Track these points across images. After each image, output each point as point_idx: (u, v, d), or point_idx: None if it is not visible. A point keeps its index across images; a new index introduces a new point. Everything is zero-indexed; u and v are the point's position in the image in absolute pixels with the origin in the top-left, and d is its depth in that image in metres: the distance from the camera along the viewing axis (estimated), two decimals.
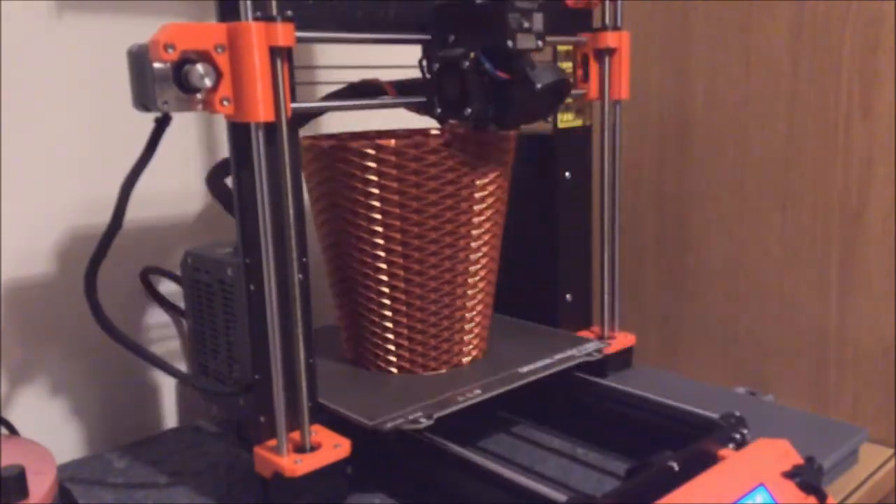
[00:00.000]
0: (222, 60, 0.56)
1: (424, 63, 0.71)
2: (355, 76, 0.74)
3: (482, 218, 0.76)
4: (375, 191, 0.72)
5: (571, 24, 0.82)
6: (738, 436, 0.67)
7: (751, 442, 0.67)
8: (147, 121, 0.59)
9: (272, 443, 0.64)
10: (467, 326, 0.78)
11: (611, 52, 0.82)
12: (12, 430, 0.73)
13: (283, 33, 0.57)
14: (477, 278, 0.78)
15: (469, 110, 0.67)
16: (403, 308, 0.75)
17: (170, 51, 0.54)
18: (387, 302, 0.75)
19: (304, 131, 0.77)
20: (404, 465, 0.70)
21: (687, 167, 1.02)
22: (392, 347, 0.77)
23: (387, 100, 0.72)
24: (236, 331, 0.69)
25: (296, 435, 0.64)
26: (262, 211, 0.59)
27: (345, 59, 0.75)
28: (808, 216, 0.91)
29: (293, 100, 0.61)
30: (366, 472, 0.68)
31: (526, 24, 0.66)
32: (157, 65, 0.55)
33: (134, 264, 0.85)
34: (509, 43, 0.66)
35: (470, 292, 0.78)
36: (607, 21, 0.81)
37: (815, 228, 0.91)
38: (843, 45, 0.86)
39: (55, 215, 0.81)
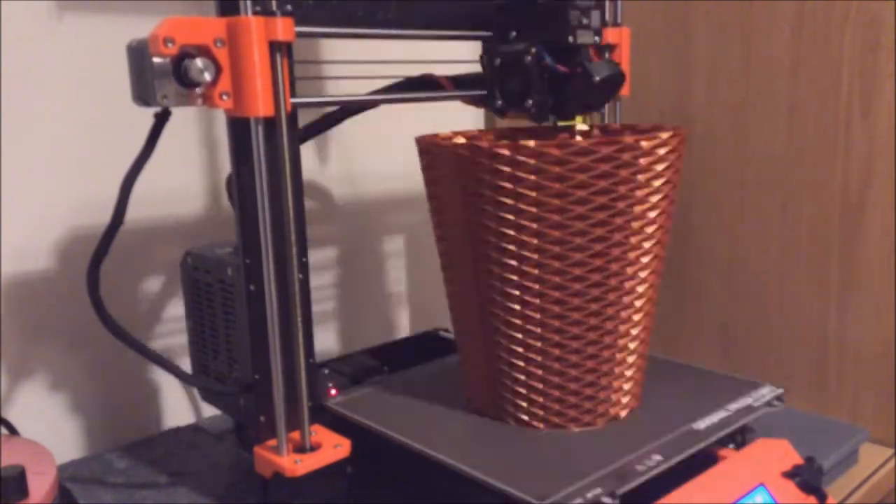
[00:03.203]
0: (222, 55, 0.56)
1: (484, 58, 0.74)
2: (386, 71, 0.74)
3: (643, 236, 0.63)
4: (531, 207, 0.60)
5: None
6: (738, 436, 0.67)
7: (751, 442, 0.67)
8: (147, 119, 0.59)
9: (272, 443, 0.64)
10: (627, 372, 0.66)
11: (611, 48, 0.82)
12: (12, 430, 0.73)
13: (283, 28, 0.57)
14: (641, 314, 0.65)
15: (530, 102, 0.70)
16: (555, 350, 0.63)
17: (169, 45, 0.54)
18: (535, 343, 0.63)
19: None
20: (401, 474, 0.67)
21: (687, 167, 1.02)
22: (538, 398, 0.64)
23: (446, 93, 0.74)
24: (236, 331, 0.69)
25: (296, 435, 0.64)
26: (261, 207, 0.59)
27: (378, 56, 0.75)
28: (808, 216, 0.91)
29: (293, 94, 0.61)
30: (368, 472, 0.67)
31: (585, 21, 0.71)
32: (156, 59, 0.55)
33: (134, 264, 0.85)
34: (570, 38, 0.70)
35: (633, 330, 0.65)
36: (607, 18, 0.81)
37: (815, 228, 0.91)
38: (843, 45, 0.86)
39: (55, 213, 0.81)
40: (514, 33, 0.72)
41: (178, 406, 0.92)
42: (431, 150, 0.66)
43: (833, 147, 0.88)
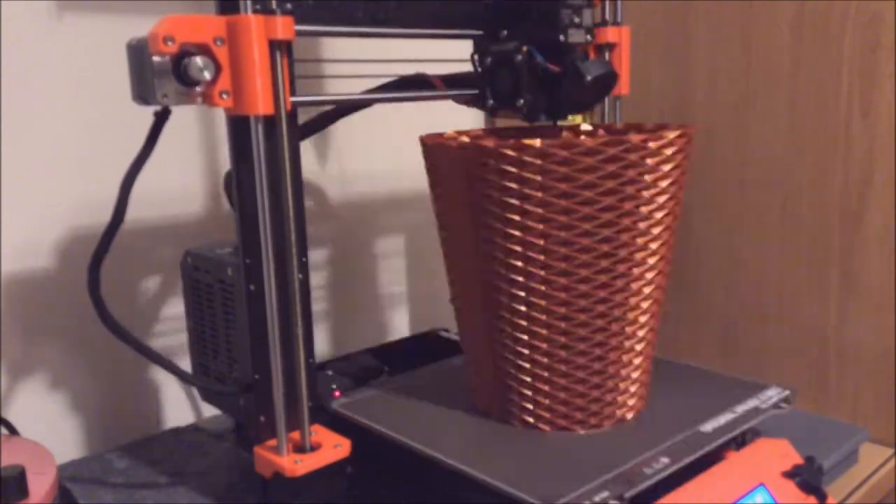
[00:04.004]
0: (221, 53, 0.56)
1: (476, 57, 0.73)
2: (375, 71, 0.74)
3: (649, 237, 0.63)
4: (536, 209, 0.60)
5: None
6: (739, 436, 0.67)
7: (751, 442, 0.67)
8: (147, 119, 0.59)
9: (272, 443, 0.64)
10: (634, 374, 0.66)
11: (611, 47, 0.82)
12: (12, 431, 0.73)
13: (283, 26, 0.57)
14: (647, 315, 0.65)
15: (521, 101, 0.69)
16: (561, 352, 0.63)
17: (169, 44, 0.54)
18: (541, 345, 0.63)
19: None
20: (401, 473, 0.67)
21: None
22: (544, 400, 0.64)
23: (437, 92, 0.74)
24: (236, 331, 0.69)
25: (296, 435, 0.64)
26: (261, 207, 0.59)
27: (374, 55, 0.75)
28: (808, 216, 0.91)
29: (293, 93, 0.61)
30: (368, 472, 0.67)
31: (577, 20, 0.71)
32: (156, 58, 0.55)
33: (134, 264, 0.85)
34: (561, 37, 0.69)
35: (639, 332, 0.65)
36: (607, 17, 0.81)
37: (815, 228, 0.91)
38: (843, 45, 0.86)
39: (55, 213, 0.81)
40: (504, 32, 0.72)
41: (178, 406, 0.92)
42: (436, 150, 0.66)
43: (833, 147, 0.88)
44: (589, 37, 0.72)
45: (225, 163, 0.92)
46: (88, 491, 0.72)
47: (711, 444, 0.62)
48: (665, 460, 0.59)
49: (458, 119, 0.85)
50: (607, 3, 0.81)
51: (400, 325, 1.15)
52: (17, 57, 0.77)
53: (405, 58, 0.72)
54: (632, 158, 0.60)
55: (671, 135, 0.62)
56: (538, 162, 0.59)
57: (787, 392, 0.71)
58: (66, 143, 0.81)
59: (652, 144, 0.60)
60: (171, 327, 0.91)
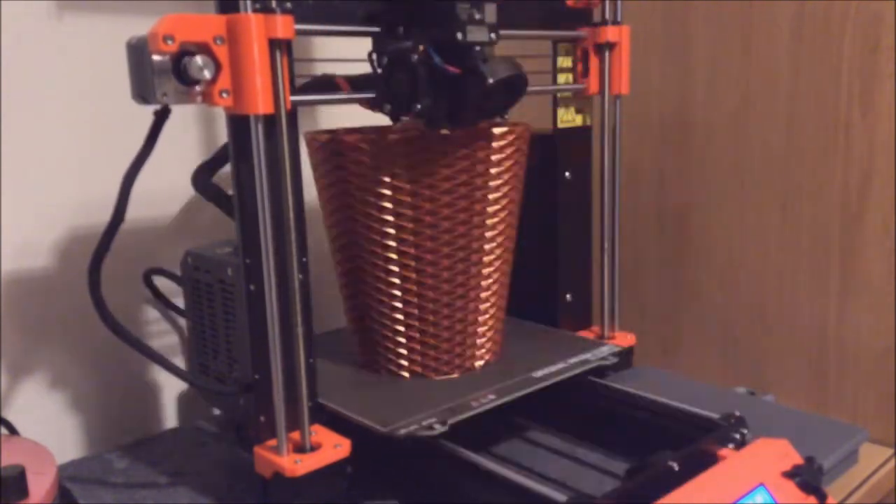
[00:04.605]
0: (221, 52, 0.56)
1: (374, 57, 0.67)
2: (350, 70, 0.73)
3: (496, 219, 0.75)
4: (387, 191, 0.71)
5: (571, 20, 0.83)
6: (738, 436, 0.67)
7: (751, 442, 0.67)
8: (146, 119, 0.59)
9: (272, 443, 0.64)
10: (480, 329, 0.77)
11: (611, 46, 0.82)
12: (12, 430, 0.73)
13: (283, 25, 0.57)
14: (490, 280, 0.77)
15: (419, 106, 0.64)
16: (416, 311, 0.74)
17: (169, 42, 0.54)
18: (398, 304, 0.74)
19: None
20: (406, 465, 0.69)
21: (687, 167, 1.02)
22: (404, 351, 0.76)
23: (340, 95, 0.69)
24: (236, 331, 0.69)
25: (296, 435, 0.64)
26: (261, 205, 0.59)
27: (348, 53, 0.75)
28: (808, 216, 0.91)
29: (293, 92, 0.61)
30: (368, 472, 0.68)
31: (477, 16, 0.63)
32: (156, 57, 0.55)
33: (134, 264, 0.85)
34: (458, 35, 0.62)
35: (483, 294, 0.76)
36: (607, 16, 0.81)
37: (815, 228, 0.91)
38: (843, 45, 0.86)
39: (55, 212, 0.81)
40: (401, 28, 0.64)
41: (178, 406, 0.92)
42: (309, 145, 0.74)
43: (833, 147, 0.88)
44: (493, 35, 0.64)
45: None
46: (88, 491, 0.72)
47: (536, 385, 0.73)
48: (491, 397, 0.70)
49: None
50: (607, 2, 0.81)
51: None
52: (17, 57, 0.77)
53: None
54: (464, 152, 0.70)
55: (499, 131, 0.72)
56: (385, 153, 0.69)
57: (616, 348, 0.82)
58: (66, 142, 0.81)
59: (481, 141, 0.71)
60: (170, 327, 0.91)
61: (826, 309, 0.91)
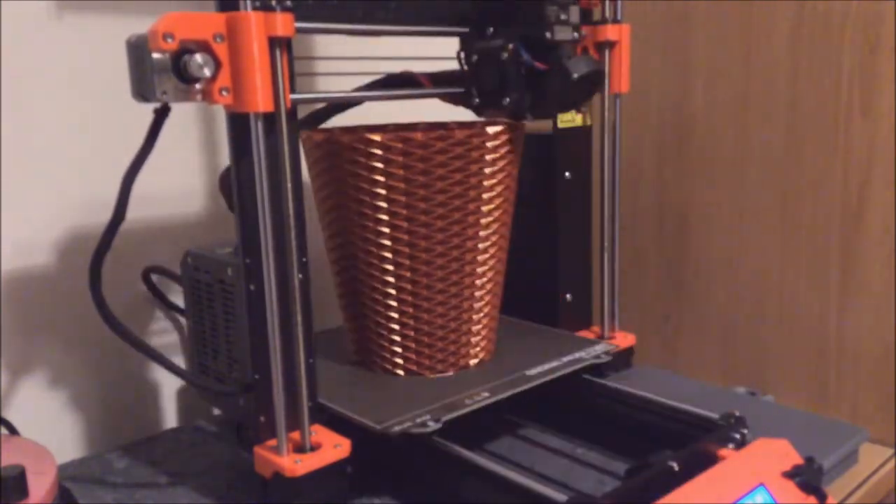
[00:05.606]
0: (221, 50, 0.56)
1: (462, 55, 0.73)
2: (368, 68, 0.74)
3: (490, 218, 0.75)
4: (382, 191, 0.71)
5: None
6: (738, 436, 0.67)
7: (751, 442, 0.67)
8: (147, 118, 0.59)
9: (272, 443, 0.64)
10: (475, 328, 0.78)
11: (611, 45, 0.82)
12: (12, 430, 0.73)
13: (283, 23, 0.57)
14: (485, 279, 0.77)
15: (507, 100, 0.70)
16: (410, 309, 0.75)
17: (169, 40, 0.54)
18: (393, 303, 0.75)
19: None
20: (404, 464, 0.70)
21: (687, 167, 1.02)
22: (398, 349, 0.76)
23: (423, 91, 0.73)
24: (236, 331, 0.69)
25: (296, 435, 0.64)
26: (261, 204, 0.59)
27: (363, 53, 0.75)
28: (808, 216, 0.91)
29: (293, 90, 0.61)
30: (367, 472, 0.68)
31: (563, 16, 0.70)
32: (155, 55, 0.54)
33: (134, 264, 0.85)
34: (547, 34, 0.69)
35: (477, 293, 0.77)
36: (607, 14, 0.81)
37: (815, 228, 0.91)
38: (843, 45, 0.86)
39: (55, 211, 0.81)
40: (491, 29, 0.71)
41: (178, 406, 0.92)
42: (304, 143, 0.74)
43: (833, 147, 0.88)
44: (576, 34, 0.71)
45: (225, 162, 0.92)
46: (88, 491, 0.72)
47: (530, 383, 0.73)
48: (485, 394, 0.70)
49: (443, 117, 0.84)
50: (607, 1, 0.81)
51: None
52: (17, 57, 0.77)
53: (396, 55, 0.72)
54: (458, 151, 0.70)
55: (493, 130, 0.72)
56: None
57: (611, 347, 0.82)
58: (66, 142, 0.81)
59: (475, 140, 0.71)
60: (171, 326, 0.91)
61: (826, 309, 0.91)
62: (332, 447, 0.64)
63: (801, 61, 0.90)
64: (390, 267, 0.74)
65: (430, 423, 0.65)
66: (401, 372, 0.77)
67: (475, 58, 0.71)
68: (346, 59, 0.72)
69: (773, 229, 0.95)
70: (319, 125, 0.79)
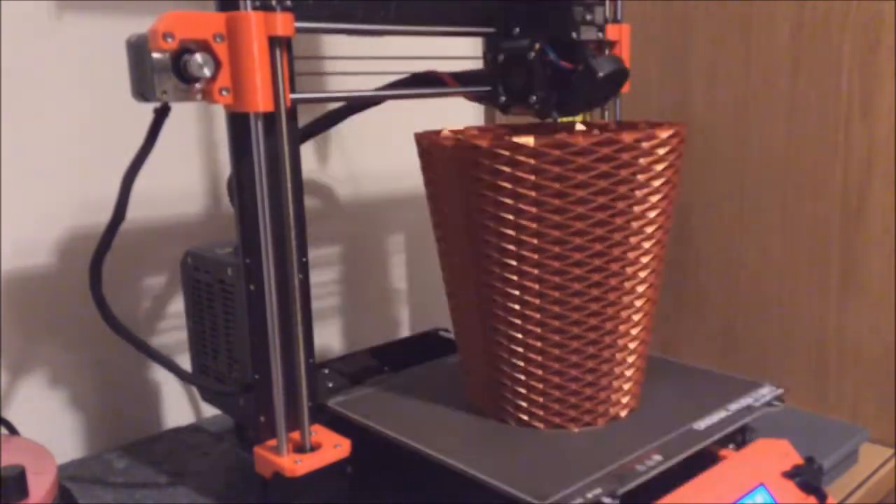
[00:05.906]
0: (221, 50, 0.56)
1: (489, 55, 0.75)
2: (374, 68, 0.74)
3: (643, 236, 0.63)
4: (531, 208, 0.60)
5: None
6: (738, 436, 0.67)
7: (751, 442, 0.67)
8: (147, 118, 0.59)
9: (272, 443, 0.64)
10: (627, 372, 0.66)
11: (611, 45, 0.82)
12: (12, 430, 0.73)
13: (283, 23, 0.57)
14: (641, 314, 0.65)
15: (534, 98, 0.71)
16: (556, 350, 0.63)
17: (168, 40, 0.54)
18: (535, 342, 0.63)
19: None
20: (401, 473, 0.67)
21: (686, 167, 1.02)
22: (538, 398, 0.65)
23: (449, 89, 0.74)
24: (236, 331, 0.69)
25: (296, 435, 0.64)
26: (261, 205, 0.59)
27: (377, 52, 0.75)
28: (808, 216, 0.91)
29: (293, 90, 0.61)
30: (368, 472, 0.67)
31: (588, 17, 0.72)
32: (155, 54, 0.55)
33: (133, 264, 0.85)
34: (573, 34, 0.71)
35: (633, 330, 0.65)
36: (607, 15, 0.81)
37: (815, 228, 0.91)
38: (843, 45, 0.86)
39: (56, 211, 0.81)
40: (517, 29, 0.73)
41: (178, 406, 0.92)
42: (431, 149, 0.66)
43: (833, 147, 0.88)
44: (601, 34, 0.74)
45: (225, 162, 0.92)
46: (88, 491, 0.72)
47: (704, 441, 0.62)
48: (658, 457, 0.59)
49: (457, 118, 0.85)
50: (607, 1, 0.81)
51: (402, 324, 1.15)
52: (17, 57, 0.77)
53: (405, 55, 0.72)
54: (624, 158, 0.60)
55: (664, 134, 0.62)
56: (531, 161, 0.59)
57: (779, 390, 0.71)
58: (66, 142, 0.81)
59: (645, 144, 0.61)
60: (171, 326, 0.91)
61: (826, 309, 0.91)
62: (332, 447, 0.64)
63: (802, 61, 0.90)
64: (535, 300, 0.62)
65: (605, 500, 0.54)
66: (540, 424, 0.65)
67: (502, 57, 0.73)
68: (346, 59, 0.72)
69: (773, 229, 0.95)
70: (332, 126, 0.78)
